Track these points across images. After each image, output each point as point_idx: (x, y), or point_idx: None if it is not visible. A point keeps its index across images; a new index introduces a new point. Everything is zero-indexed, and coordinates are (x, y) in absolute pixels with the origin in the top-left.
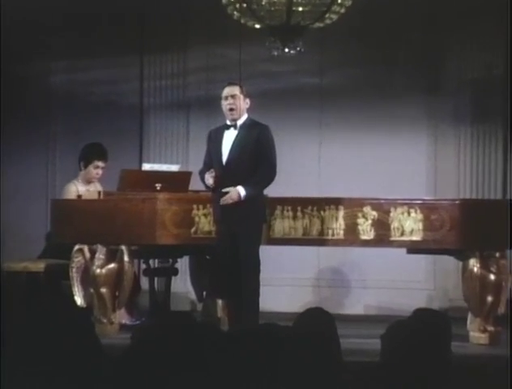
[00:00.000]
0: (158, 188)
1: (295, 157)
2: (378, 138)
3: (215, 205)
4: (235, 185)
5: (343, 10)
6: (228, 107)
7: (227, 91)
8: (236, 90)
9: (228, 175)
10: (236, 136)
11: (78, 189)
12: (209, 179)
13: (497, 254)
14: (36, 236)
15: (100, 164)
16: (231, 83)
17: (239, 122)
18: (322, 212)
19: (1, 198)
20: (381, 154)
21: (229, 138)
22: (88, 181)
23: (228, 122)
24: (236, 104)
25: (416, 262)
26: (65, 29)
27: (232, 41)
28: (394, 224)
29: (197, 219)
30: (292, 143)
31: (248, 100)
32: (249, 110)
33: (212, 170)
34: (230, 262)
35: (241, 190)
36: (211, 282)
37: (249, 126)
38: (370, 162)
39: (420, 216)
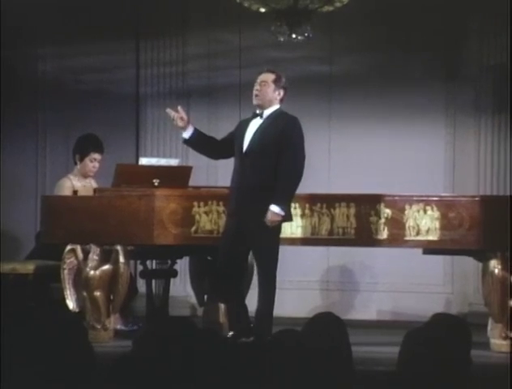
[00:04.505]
0: (156, 184)
1: None
2: (392, 130)
3: (231, 196)
4: (253, 176)
5: None
6: (254, 93)
7: (259, 77)
8: (267, 77)
9: (247, 165)
10: (261, 125)
11: (73, 184)
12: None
13: None
14: (25, 235)
15: (97, 156)
16: (268, 70)
17: (266, 112)
18: (331, 210)
19: None
20: (396, 147)
21: (253, 127)
22: (84, 176)
23: (257, 111)
24: (262, 91)
25: (432, 264)
26: (54, 12)
27: (236, 26)
28: (410, 223)
29: (197, 217)
30: None
31: (281, 91)
32: (281, 102)
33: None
34: (235, 261)
35: (275, 209)
36: (213, 285)
37: (277, 116)
38: (383, 156)
39: (437, 214)
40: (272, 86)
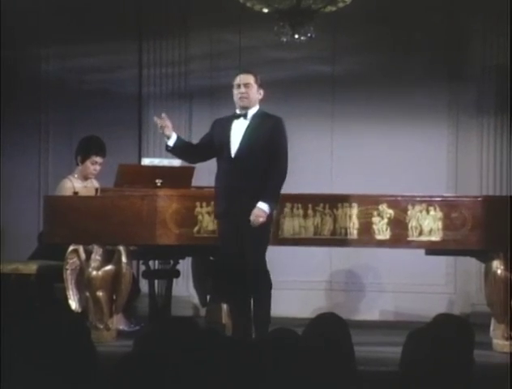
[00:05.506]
0: (158, 184)
1: (305, 151)
2: (395, 130)
3: (219, 198)
4: (244, 179)
5: None
6: (239, 96)
7: (239, 78)
8: (249, 78)
9: (237, 168)
10: (248, 127)
11: (74, 185)
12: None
13: None
14: (28, 235)
15: (98, 159)
16: (245, 71)
17: (250, 112)
18: (334, 210)
19: None
20: (398, 147)
21: (239, 128)
22: (85, 178)
23: (238, 111)
24: (249, 93)
25: (435, 264)
26: (56, 12)
27: (237, 26)
28: (412, 223)
29: (200, 217)
30: (301, 136)
31: (262, 91)
32: (261, 102)
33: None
34: (234, 262)
35: (263, 206)
36: (216, 285)
37: (262, 117)
38: (386, 156)
39: (439, 214)
40: (255, 86)
